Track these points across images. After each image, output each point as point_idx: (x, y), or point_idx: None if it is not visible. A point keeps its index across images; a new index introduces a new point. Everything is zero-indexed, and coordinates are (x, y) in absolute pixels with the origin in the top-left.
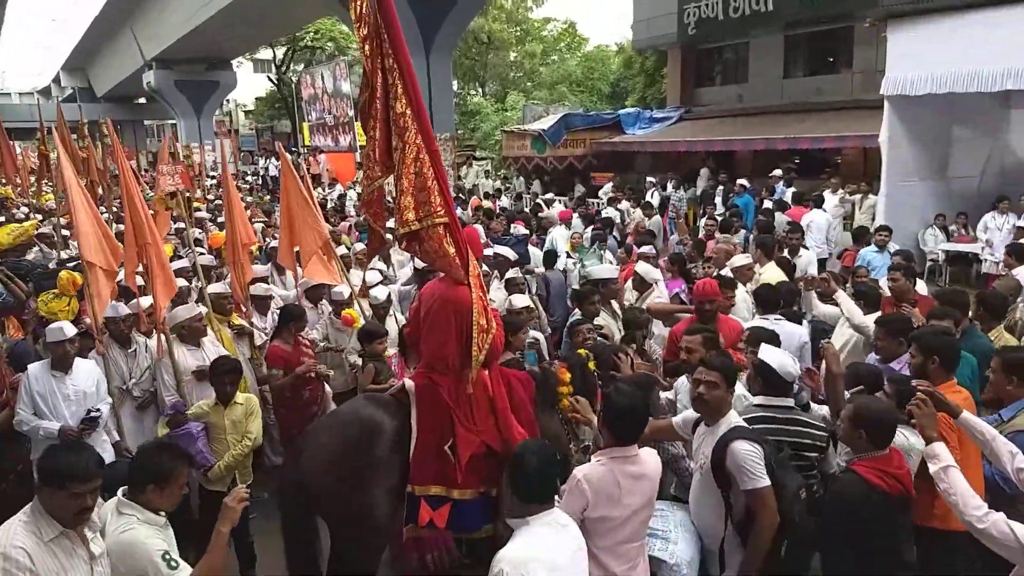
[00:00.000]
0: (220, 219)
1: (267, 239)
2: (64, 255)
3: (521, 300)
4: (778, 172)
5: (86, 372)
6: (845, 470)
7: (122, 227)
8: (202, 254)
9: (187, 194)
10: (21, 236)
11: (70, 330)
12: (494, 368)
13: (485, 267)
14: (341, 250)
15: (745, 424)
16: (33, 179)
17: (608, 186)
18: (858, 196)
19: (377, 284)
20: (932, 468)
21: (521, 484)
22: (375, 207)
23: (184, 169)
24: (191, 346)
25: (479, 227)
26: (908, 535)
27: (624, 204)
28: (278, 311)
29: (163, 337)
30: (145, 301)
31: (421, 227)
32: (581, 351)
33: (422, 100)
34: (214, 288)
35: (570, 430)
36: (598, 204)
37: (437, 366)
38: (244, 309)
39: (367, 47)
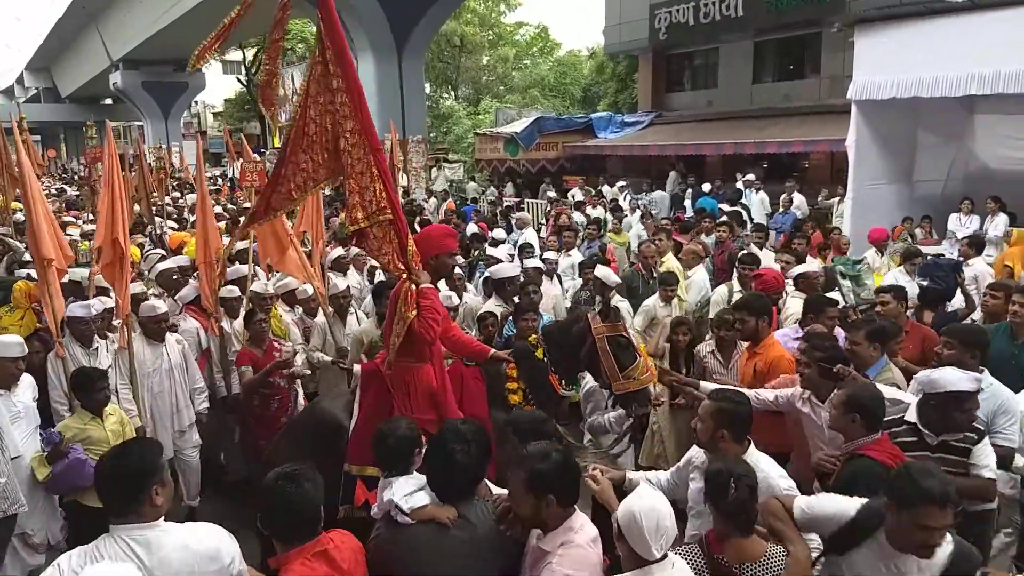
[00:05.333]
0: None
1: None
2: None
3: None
4: (751, 176)
5: (26, 384)
6: (853, 455)
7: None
8: (162, 257)
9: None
10: None
11: (19, 349)
12: (439, 361)
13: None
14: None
15: None
16: None
17: (576, 190)
18: (835, 199)
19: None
20: None
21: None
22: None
23: (264, 167)
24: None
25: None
26: None
27: (598, 210)
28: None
29: (126, 331)
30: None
31: (369, 225)
32: (531, 338)
33: (364, 97)
34: (254, 287)
35: None
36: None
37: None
38: (214, 313)
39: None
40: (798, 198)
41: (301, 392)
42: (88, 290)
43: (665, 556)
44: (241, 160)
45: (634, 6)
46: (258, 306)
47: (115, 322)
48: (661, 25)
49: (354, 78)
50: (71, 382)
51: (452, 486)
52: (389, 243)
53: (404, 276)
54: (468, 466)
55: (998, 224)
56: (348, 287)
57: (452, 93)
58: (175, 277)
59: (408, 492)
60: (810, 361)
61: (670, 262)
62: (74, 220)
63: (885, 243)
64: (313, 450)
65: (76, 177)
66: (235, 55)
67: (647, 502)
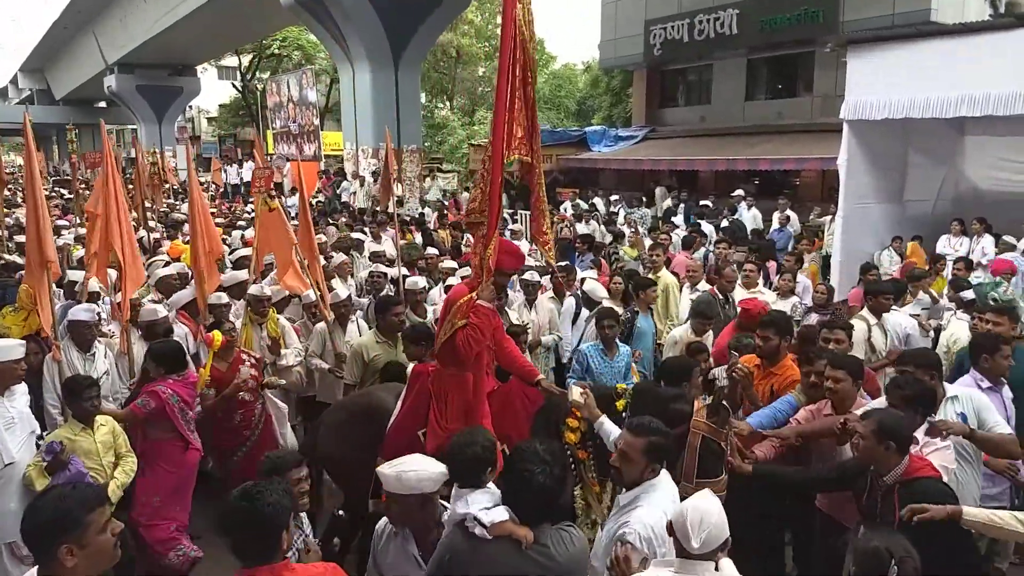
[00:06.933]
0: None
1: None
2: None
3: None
4: (740, 192)
5: (21, 390)
6: (915, 479)
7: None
8: (167, 264)
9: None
10: None
11: (21, 351)
12: (480, 375)
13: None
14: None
15: None
16: None
17: (567, 203)
18: (827, 218)
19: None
20: None
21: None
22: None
23: (272, 173)
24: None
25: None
26: None
27: (592, 224)
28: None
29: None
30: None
31: (480, 220)
32: (620, 386)
33: (503, 102)
34: (251, 290)
35: (578, 472)
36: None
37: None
38: (205, 320)
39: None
40: (792, 215)
41: (280, 403)
42: (81, 295)
43: (714, 558)
44: (253, 166)
45: (629, 22)
46: (255, 309)
47: (107, 327)
48: (656, 41)
49: (503, 77)
50: (62, 389)
51: (529, 507)
52: (478, 243)
53: (476, 281)
54: (549, 488)
55: (986, 247)
56: (349, 296)
57: (447, 103)
58: (175, 283)
59: (486, 506)
60: (894, 401)
61: (666, 277)
62: (67, 224)
63: (1007, 274)
64: (355, 433)
65: (66, 179)
66: (231, 61)
67: (696, 501)
